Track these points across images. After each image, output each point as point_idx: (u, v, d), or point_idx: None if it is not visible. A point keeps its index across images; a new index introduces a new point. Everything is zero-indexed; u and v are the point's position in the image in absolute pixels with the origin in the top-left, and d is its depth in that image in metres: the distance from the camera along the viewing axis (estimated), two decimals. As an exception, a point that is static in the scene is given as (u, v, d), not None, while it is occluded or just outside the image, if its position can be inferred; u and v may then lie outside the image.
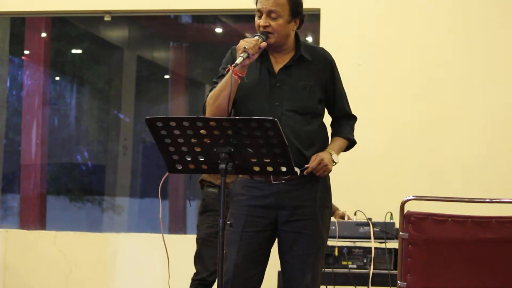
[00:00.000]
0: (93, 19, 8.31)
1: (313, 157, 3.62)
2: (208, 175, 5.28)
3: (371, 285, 5.11)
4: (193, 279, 5.26)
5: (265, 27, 3.60)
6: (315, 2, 6.34)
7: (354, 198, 5.97)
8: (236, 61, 3.46)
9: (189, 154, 3.33)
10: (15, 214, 8.25)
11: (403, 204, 3.66)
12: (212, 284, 5.27)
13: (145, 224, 9.67)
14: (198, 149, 3.31)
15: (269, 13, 3.60)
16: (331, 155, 3.65)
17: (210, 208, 5.24)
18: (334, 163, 3.66)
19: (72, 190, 9.73)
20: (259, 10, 3.62)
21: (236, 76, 3.49)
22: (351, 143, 3.82)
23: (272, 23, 3.60)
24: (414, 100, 6.31)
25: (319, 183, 3.67)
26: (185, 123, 3.25)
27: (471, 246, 3.60)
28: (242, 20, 8.31)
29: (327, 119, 3.82)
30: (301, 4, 3.67)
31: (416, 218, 3.59)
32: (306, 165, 3.61)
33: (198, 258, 5.27)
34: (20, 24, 7.96)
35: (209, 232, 5.22)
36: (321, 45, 5.35)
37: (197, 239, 5.30)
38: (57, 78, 9.45)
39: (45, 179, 8.19)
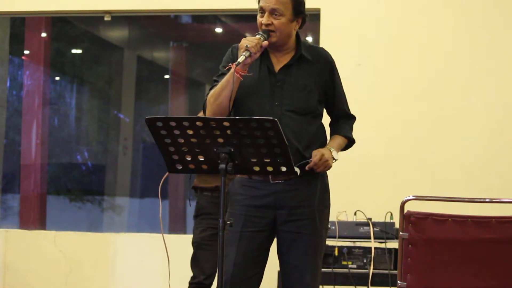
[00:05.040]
0: (93, 19, 8.31)
1: (314, 152, 3.61)
2: (199, 181, 5.29)
3: (371, 285, 5.12)
4: (190, 283, 5.27)
5: (267, 25, 3.59)
6: (315, 2, 6.34)
7: (354, 198, 5.97)
8: (238, 60, 3.45)
9: (189, 154, 3.33)
10: (15, 214, 8.25)
11: (403, 204, 3.66)
12: (209, 287, 5.28)
13: (145, 224, 9.67)
14: (198, 149, 3.31)
15: (272, 11, 3.59)
16: (331, 151, 3.65)
17: (204, 212, 5.25)
18: (334, 160, 3.66)
19: (72, 190, 9.72)
20: (261, 8, 3.61)
21: (238, 75, 3.48)
22: (350, 142, 3.82)
23: (275, 21, 3.59)
24: (414, 100, 6.32)
25: (318, 183, 3.67)
26: (185, 123, 3.25)
27: (471, 246, 3.60)
28: (242, 20, 8.31)
29: (326, 120, 3.82)
30: (303, 3, 3.66)
31: (416, 218, 3.59)
32: (307, 160, 3.60)
33: (194, 262, 5.28)
34: (20, 24, 7.96)
35: (203, 236, 5.23)
36: (321, 45, 5.35)
37: (192, 243, 5.31)
38: (57, 78, 9.45)
39: (45, 179, 8.19)
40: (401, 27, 6.40)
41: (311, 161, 3.59)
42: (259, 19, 3.62)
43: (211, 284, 5.25)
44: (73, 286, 6.79)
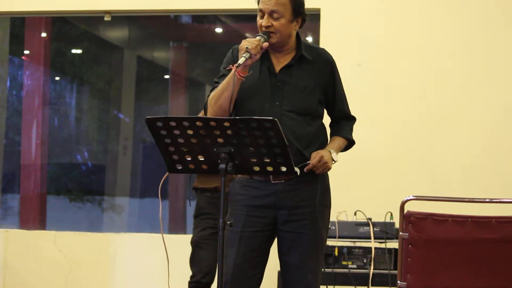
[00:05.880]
0: (93, 19, 8.31)
1: (313, 154, 3.62)
2: (199, 182, 5.30)
3: (371, 285, 5.12)
4: (189, 282, 5.29)
5: (267, 27, 3.60)
6: (315, 2, 6.34)
7: (354, 198, 5.97)
8: (239, 62, 3.45)
9: (189, 154, 3.33)
10: (15, 214, 8.25)
11: (403, 204, 3.66)
12: (207, 285, 5.29)
13: (145, 224, 9.68)
14: (198, 149, 3.31)
15: (271, 13, 3.59)
16: (330, 153, 3.65)
17: (203, 212, 5.26)
18: (333, 162, 3.66)
19: (72, 190, 9.73)
20: (261, 10, 3.62)
21: (239, 76, 3.49)
22: (350, 143, 3.82)
23: (274, 23, 3.60)
24: (414, 100, 6.31)
25: (318, 182, 3.67)
26: (185, 123, 3.25)
27: (471, 246, 3.60)
28: (242, 20, 8.31)
29: (326, 120, 3.82)
30: (303, 3, 3.67)
31: (416, 218, 3.59)
32: (306, 162, 3.61)
33: (193, 261, 5.30)
34: (20, 24, 7.96)
35: (202, 235, 5.25)
36: (321, 45, 5.36)
37: (191, 242, 5.33)
38: (57, 78, 9.46)
39: (45, 179, 8.19)
40: (401, 27, 6.40)
41: (309, 163, 3.60)
42: (258, 20, 3.63)
43: (209, 282, 5.26)
44: (73, 286, 6.79)
